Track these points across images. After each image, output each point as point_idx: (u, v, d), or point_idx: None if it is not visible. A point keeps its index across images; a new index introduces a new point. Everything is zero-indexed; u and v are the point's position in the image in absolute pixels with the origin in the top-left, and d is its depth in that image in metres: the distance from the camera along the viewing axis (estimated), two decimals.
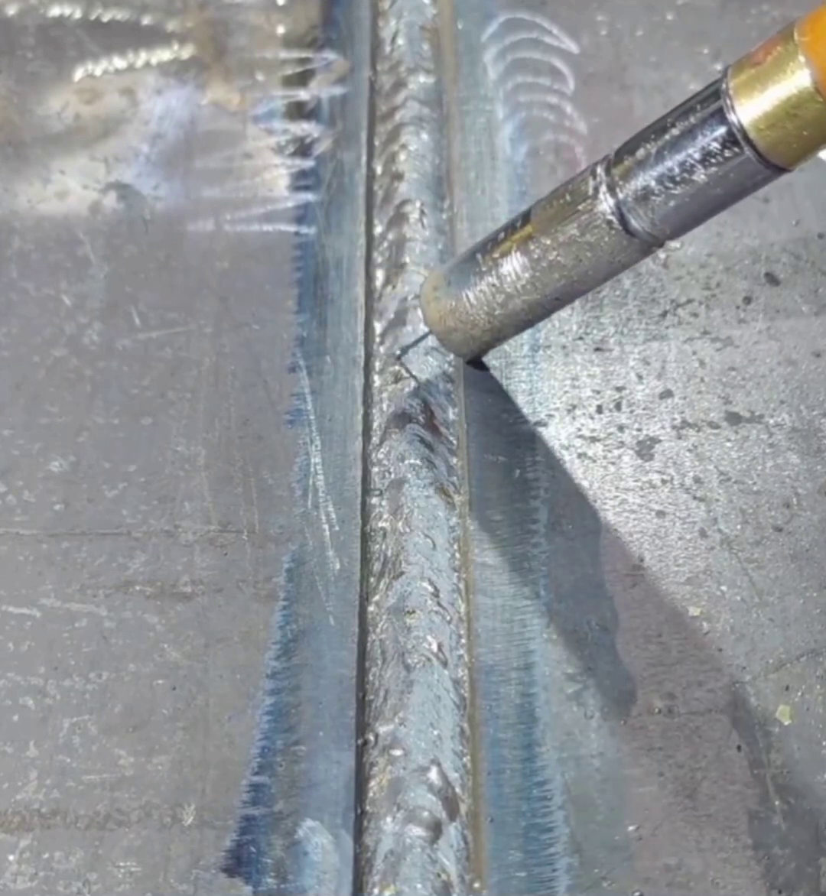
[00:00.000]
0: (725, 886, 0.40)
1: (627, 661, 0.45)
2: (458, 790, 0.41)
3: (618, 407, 0.52)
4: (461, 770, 0.42)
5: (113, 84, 0.64)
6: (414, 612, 0.45)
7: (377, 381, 0.52)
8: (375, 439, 0.50)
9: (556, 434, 0.51)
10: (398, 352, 0.52)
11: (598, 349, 0.54)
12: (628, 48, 0.66)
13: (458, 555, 0.47)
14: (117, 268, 0.56)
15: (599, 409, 0.52)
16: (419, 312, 0.51)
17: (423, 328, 0.51)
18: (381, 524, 0.48)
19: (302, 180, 0.60)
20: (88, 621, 0.46)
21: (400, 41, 0.65)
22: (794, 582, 0.47)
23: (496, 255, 0.47)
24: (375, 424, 0.51)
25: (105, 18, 0.67)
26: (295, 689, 0.44)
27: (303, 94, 0.63)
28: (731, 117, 0.41)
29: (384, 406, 0.51)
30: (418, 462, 0.49)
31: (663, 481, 0.49)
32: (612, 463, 0.50)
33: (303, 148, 0.61)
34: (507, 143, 0.62)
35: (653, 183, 0.43)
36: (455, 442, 0.51)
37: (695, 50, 0.65)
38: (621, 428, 0.51)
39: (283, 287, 0.56)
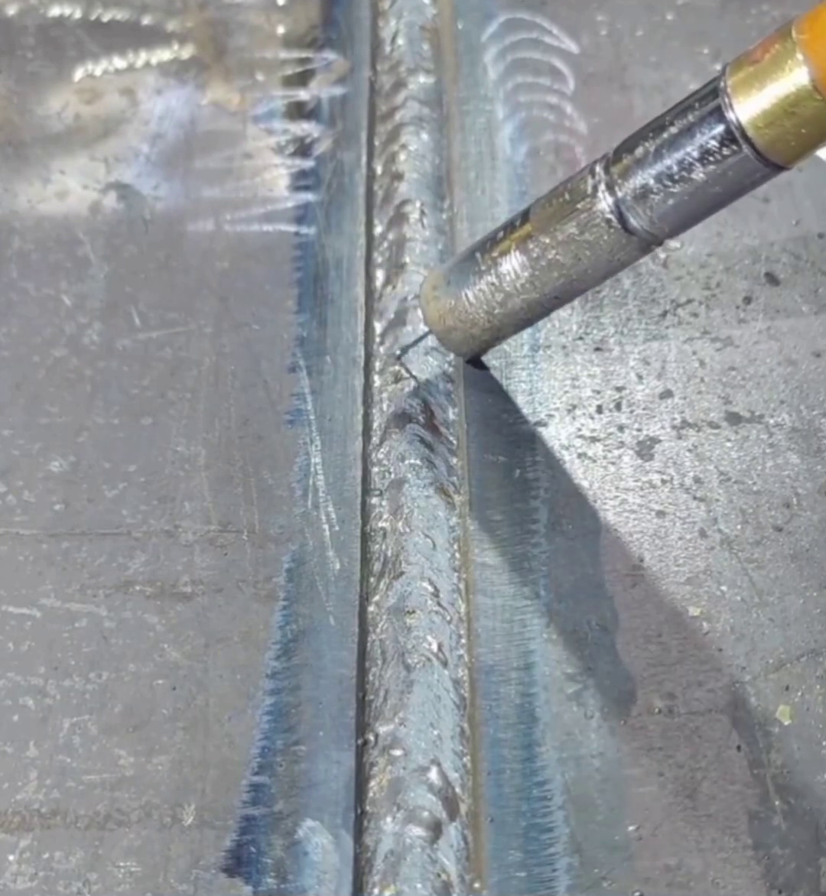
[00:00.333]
0: (725, 886, 0.40)
1: (627, 661, 0.45)
2: (458, 790, 0.41)
3: (618, 407, 0.52)
4: (461, 770, 0.42)
5: (113, 84, 0.64)
6: (414, 612, 0.45)
7: (377, 381, 0.52)
8: (375, 439, 0.50)
9: (556, 434, 0.51)
10: (398, 352, 0.52)
11: (598, 349, 0.54)
12: (628, 48, 0.66)
13: (458, 555, 0.47)
14: (117, 268, 0.56)
15: (599, 409, 0.51)
16: (419, 312, 0.51)
17: (422, 328, 0.51)
18: (381, 524, 0.48)
19: (302, 180, 0.60)
20: (88, 621, 0.46)
21: (400, 41, 0.65)
22: (794, 582, 0.47)
23: (495, 254, 0.47)
24: (375, 424, 0.51)
25: (105, 18, 0.67)
26: (295, 689, 0.44)
27: (303, 94, 0.63)
28: (730, 115, 0.41)
29: (384, 406, 0.51)
30: (418, 462, 0.49)
31: (663, 481, 0.49)
32: (612, 463, 0.50)
33: (303, 148, 0.61)
34: (507, 143, 0.62)
35: (651, 181, 0.43)
36: (455, 442, 0.50)
37: (695, 50, 0.65)
38: (621, 428, 0.51)
39: (283, 287, 0.56)
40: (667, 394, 0.52)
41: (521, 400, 0.52)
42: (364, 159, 0.61)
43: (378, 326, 0.54)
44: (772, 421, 0.51)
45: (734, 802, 0.42)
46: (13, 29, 0.66)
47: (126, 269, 0.56)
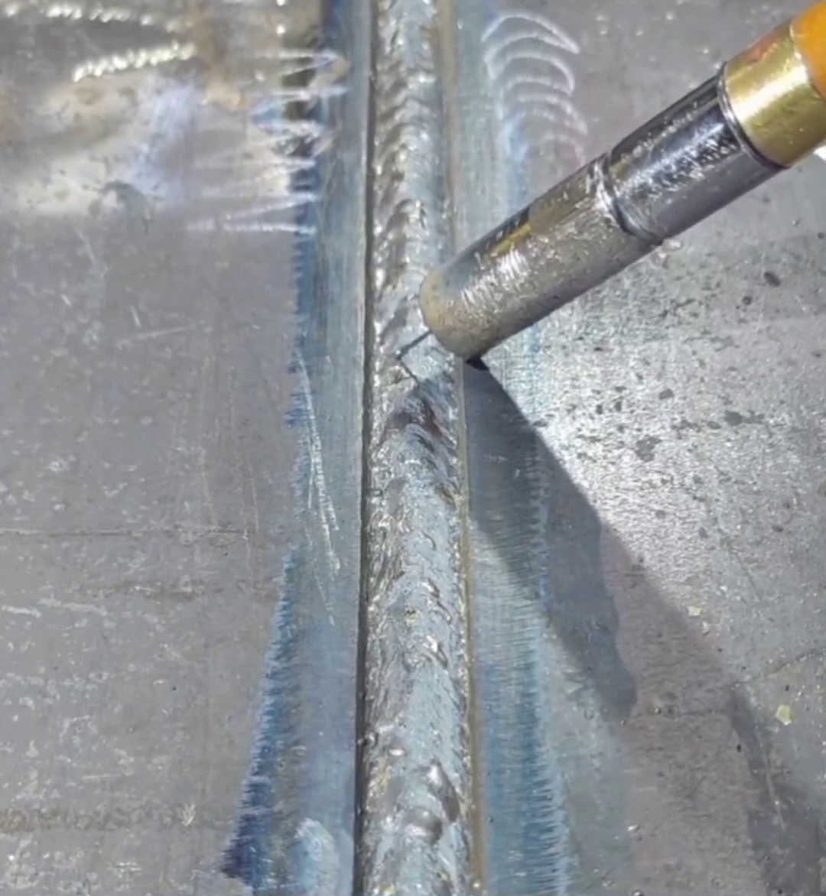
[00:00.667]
0: (725, 886, 0.40)
1: (627, 661, 0.45)
2: (458, 790, 0.41)
3: (618, 407, 0.52)
4: (461, 770, 0.42)
5: (113, 84, 0.64)
6: (414, 612, 0.45)
7: (377, 381, 0.52)
8: (375, 439, 0.50)
9: (556, 434, 0.51)
10: (398, 352, 0.52)
11: (598, 349, 0.54)
12: (628, 48, 0.66)
13: (458, 555, 0.47)
14: (117, 268, 0.56)
15: (599, 409, 0.51)
16: (419, 312, 0.51)
17: (422, 328, 0.51)
18: (381, 524, 0.48)
19: (302, 180, 0.60)
20: (88, 621, 0.46)
21: (400, 41, 0.65)
22: (794, 582, 0.47)
23: (494, 254, 0.47)
24: (375, 424, 0.51)
25: (105, 18, 0.67)
26: (295, 689, 0.44)
27: (303, 94, 0.63)
28: (728, 114, 0.41)
29: (384, 406, 0.51)
30: (418, 462, 0.49)
31: (663, 481, 0.49)
32: (612, 463, 0.50)
33: (303, 148, 0.61)
34: (507, 143, 0.62)
35: (650, 181, 0.43)
36: (455, 442, 0.50)
37: (695, 50, 0.65)
38: (621, 428, 0.51)
39: (283, 287, 0.56)
40: (667, 394, 0.52)
41: (521, 400, 0.52)
42: (364, 159, 0.61)
43: (378, 326, 0.54)
44: (772, 421, 0.51)
45: (734, 802, 0.42)
46: (13, 29, 0.66)
47: (126, 269, 0.56)
